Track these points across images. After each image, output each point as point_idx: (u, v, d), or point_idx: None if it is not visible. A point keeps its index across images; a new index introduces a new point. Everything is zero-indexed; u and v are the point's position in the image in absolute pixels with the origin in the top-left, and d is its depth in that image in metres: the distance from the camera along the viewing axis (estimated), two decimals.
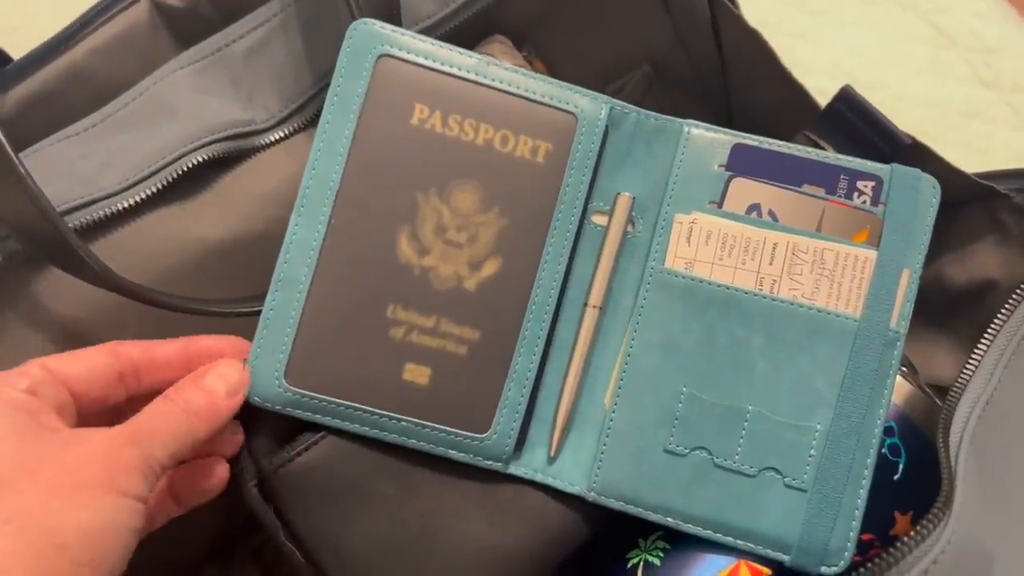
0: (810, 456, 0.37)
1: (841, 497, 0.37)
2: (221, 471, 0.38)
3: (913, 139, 0.43)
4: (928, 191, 0.39)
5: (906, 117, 0.71)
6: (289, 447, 0.38)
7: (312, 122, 0.43)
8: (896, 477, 0.40)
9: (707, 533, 0.38)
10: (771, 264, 0.39)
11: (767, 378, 0.38)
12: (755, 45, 0.46)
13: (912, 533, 0.33)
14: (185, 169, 0.40)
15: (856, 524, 0.37)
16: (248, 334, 0.38)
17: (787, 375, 0.38)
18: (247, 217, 0.41)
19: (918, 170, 0.39)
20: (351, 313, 0.38)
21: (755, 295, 0.38)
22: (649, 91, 0.52)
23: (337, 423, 0.38)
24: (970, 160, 0.45)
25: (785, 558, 0.37)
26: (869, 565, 0.33)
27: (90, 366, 0.35)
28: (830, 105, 0.45)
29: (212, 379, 0.36)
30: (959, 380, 0.37)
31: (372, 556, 0.37)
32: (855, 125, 0.44)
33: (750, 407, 0.38)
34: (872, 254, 0.38)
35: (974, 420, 0.35)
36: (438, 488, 0.38)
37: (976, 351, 0.37)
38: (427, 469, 0.38)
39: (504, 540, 0.38)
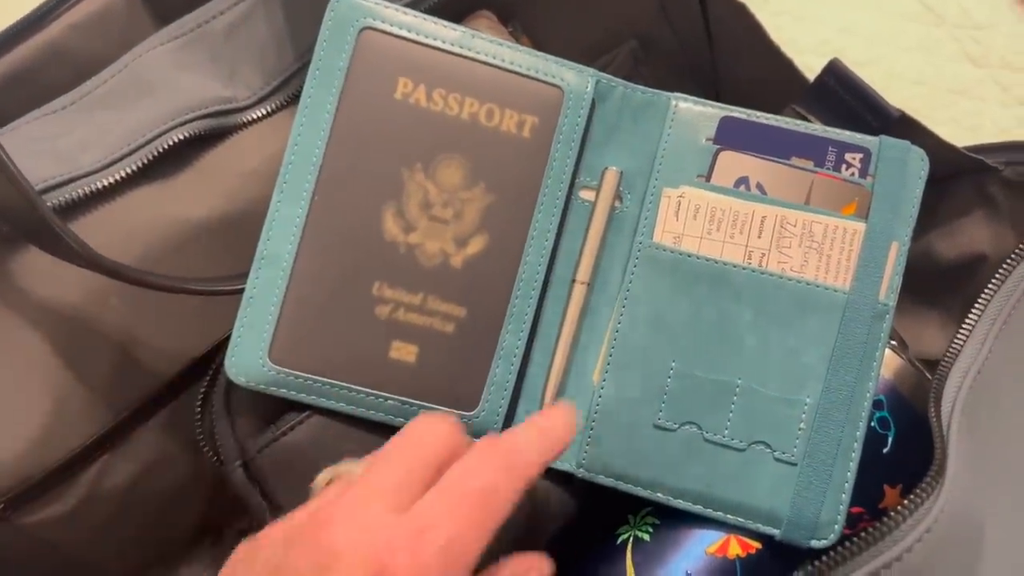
0: (800, 430, 0.37)
1: (831, 470, 0.37)
2: None
3: (902, 113, 0.43)
4: (916, 163, 0.38)
5: (895, 95, 0.70)
6: (274, 427, 0.38)
7: (295, 99, 0.43)
8: (885, 450, 0.39)
9: (697, 508, 0.38)
10: (759, 237, 0.38)
11: (756, 352, 0.38)
12: (742, 19, 0.45)
13: (905, 502, 0.33)
14: (166, 147, 0.39)
15: (846, 497, 0.37)
16: (232, 312, 0.37)
17: (776, 349, 0.38)
18: (229, 195, 0.41)
19: (907, 142, 0.39)
20: (336, 291, 0.38)
21: (744, 269, 0.38)
22: (636, 67, 0.52)
23: (323, 402, 0.38)
24: (959, 137, 0.44)
25: (775, 532, 0.37)
26: (863, 535, 0.33)
27: None
28: (819, 78, 0.44)
29: None
30: (950, 350, 0.37)
31: None
32: (844, 99, 0.44)
33: (739, 381, 0.38)
34: (861, 226, 0.38)
35: (965, 390, 0.35)
36: None
37: (967, 321, 0.37)
38: None
39: None
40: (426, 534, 0.28)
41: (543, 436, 0.32)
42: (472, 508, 0.29)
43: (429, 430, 0.31)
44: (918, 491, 0.33)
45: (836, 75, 0.44)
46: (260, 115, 0.42)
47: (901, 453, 0.40)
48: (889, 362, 0.40)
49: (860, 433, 0.37)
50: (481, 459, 0.30)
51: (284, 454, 0.37)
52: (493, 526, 0.29)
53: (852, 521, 0.38)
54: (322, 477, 0.32)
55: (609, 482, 0.38)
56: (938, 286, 0.47)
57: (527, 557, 0.32)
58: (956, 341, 0.37)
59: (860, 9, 0.71)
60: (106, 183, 0.38)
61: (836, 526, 0.37)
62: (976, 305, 0.37)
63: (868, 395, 0.37)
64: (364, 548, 0.28)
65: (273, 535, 0.29)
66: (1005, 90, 0.69)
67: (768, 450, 0.37)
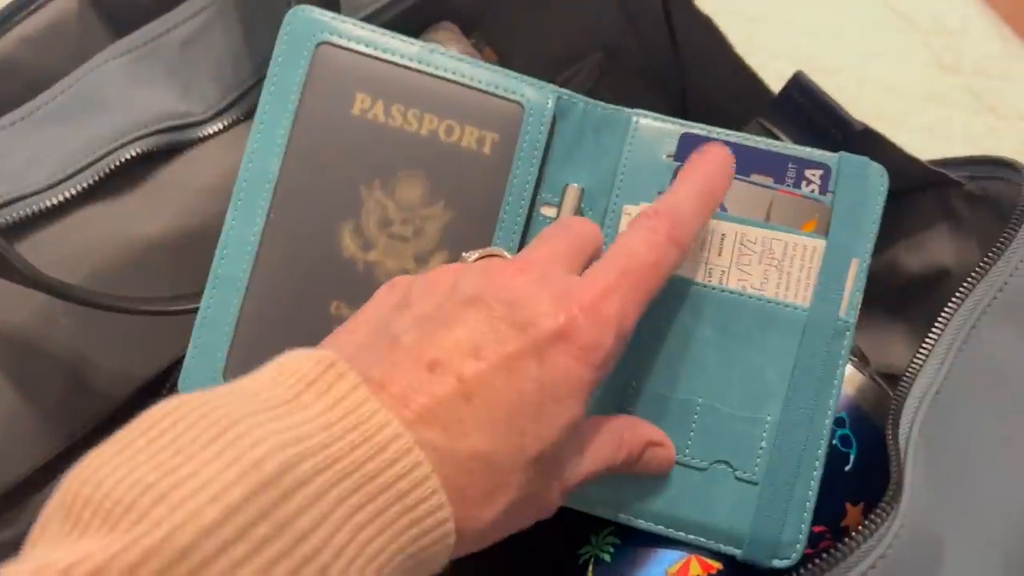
0: (760, 448, 0.37)
1: (792, 489, 0.37)
2: None
3: (865, 126, 0.43)
4: (876, 179, 0.38)
5: (867, 102, 0.71)
6: None
7: (251, 114, 0.42)
8: (847, 468, 0.39)
9: (659, 528, 0.37)
10: (720, 255, 0.38)
11: (717, 370, 0.37)
12: (707, 32, 0.45)
13: (860, 527, 0.32)
14: (118, 163, 0.38)
15: (808, 516, 0.36)
16: (186, 332, 0.37)
17: (737, 366, 0.37)
18: (184, 212, 0.40)
19: (866, 158, 0.38)
20: (292, 310, 0.37)
21: (704, 286, 0.38)
22: (602, 79, 0.52)
23: None
24: (931, 145, 0.44)
25: (737, 552, 0.37)
26: (817, 560, 0.32)
27: None
28: (783, 91, 0.44)
29: None
30: (909, 370, 0.36)
31: None
32: (808, 111, 0.44)
33: (700, 400, 0.37)
34: (821, 243, 0.38)
35: (924, 410, 0.35)
36: None
37: (927, 340, 0.37)
38: None
39: None
40: (606, 296, 0.30)
41: (701, 199, 0.34)
42: (640, 279, 0.31)
43: (581, 221, 0.34)
44: (875, 513, 0.32)
45: (801, 88, 0.44)
46: (216, 130, 0.41)
47: (863, 471, 0.39)
48: (851, 379, 0.40)
49: (822, 451, 0.37)
50: (649, 232, 0.32)
51: None
52: (651, 298, 0.32)
53: (814, 540, 0.38)
54: (469, 255, 0.35)
55: (571, 503, 0.38)
56: (904, 299, 0.47)
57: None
58: (916, 360, 0.36)
59: (832, 16, 0.71)
60: (56, 201, 0.37)
61: (798, 545, 0.36)
62: (937, 323, 0.37)
63: (829, 412, 0.37)
64: (552, 298, 0.29)
65: (454, 270, 0.31)
66: (977, 97, 0.69)
67: (729, 469, 0.37)
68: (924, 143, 0.44)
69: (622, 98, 0.41)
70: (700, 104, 0.50)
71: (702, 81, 0.49)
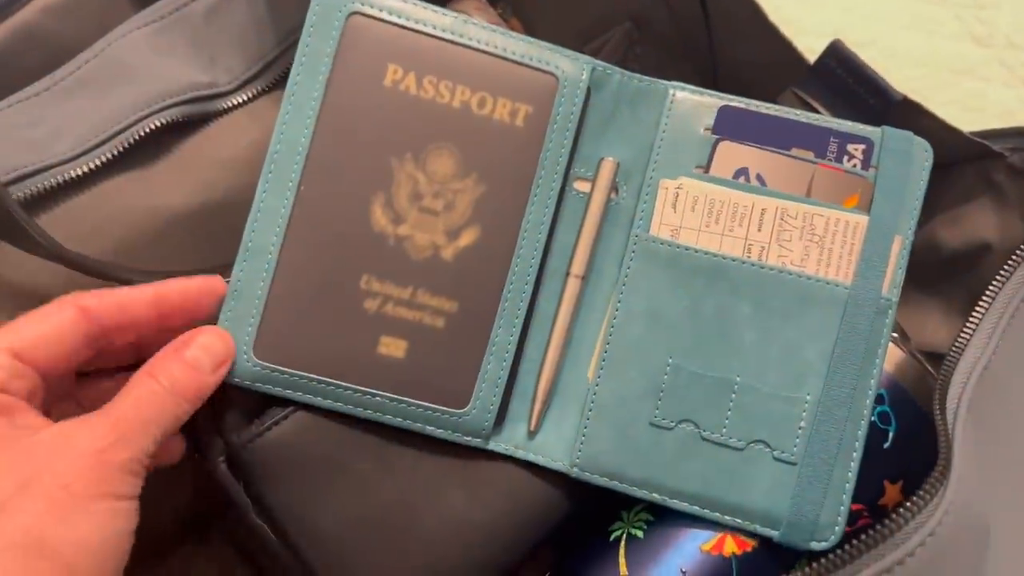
0: (799, 428, 0.36)
1: (831, 470, 0.36)
2: (178, 446, 0.38)
3: (904, 96, 0.42)
4: (921, 154, 0.37)
5: (896, 75, 0.69)
6: (258, 422, 0.37)
7: (276, 85, 0.41)
8: (886, 445, 0.39)
9: (694, 509, 0.37)
10: (759, 231, 0.37)
11: (755, 348, 0.37)
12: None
13: (908, 504, 0.32)
14: (142, 134, 0.38)
15: (847, 498, 0.36)
16: None
17: (776, 345, 0.37)
18: (208, 184, 0.39)
19: (910, 133, 0.37)
20: (323, 284, 0.36)
21: (743, 263, 0.37)
22: (631, 49, 0.50)
23: (309, 399, 0.37)
24: (963, 119, 0.43)
25: (774, 534, 0.36)
26: (864, 537, 0.32)
27: (57, 333, 0.32)
28: (819, 60, 0.43)
29: (197, 352, 0.34)
30: (955, 345, 0.36)
31: (345, 532, 0.36)
32: (845, 81, 0.43)
33: (738, 378, 0.37)
34: (863, 219, 0.37)
35: (972, 386, 0.34)
36: (414, 464, 0.37)
37: (974, 314, 0.36)
38: (403, 444, 0.37)
39: (483, 516, 0.37)
40: None
41: None
42: None
43: None
44: (922, 491, 0.32)
45: (838, 56, 0.43)
46: (241, 101, 0.40)
47: (902, 449, 0.39)
48: (891, 355, 0.39)
49: (862, 432, 0.36)
50: None
51: (268, 450, 0.36)
52: None
53: (852, 519, 0.37)
54: None
55: (603, 482, 0.37)
56: (941, 275, 0.46)
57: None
58: (963, 335, 0.35)
59: None
60: (80, 172, 0.37)
61: (837, 528, 0.36)
62: (983, 298, 0.36)
63: (870, 392, 0.36)
64: None
65: None
66: (1010, 70, 0.67)
67: (767, 449, 0.36)
68: (956, 117, 0.43)
69: (651, 70, 0.40)
70: (731, 74, 0.48)
71: (734, 50, 0.47)
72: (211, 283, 0.35)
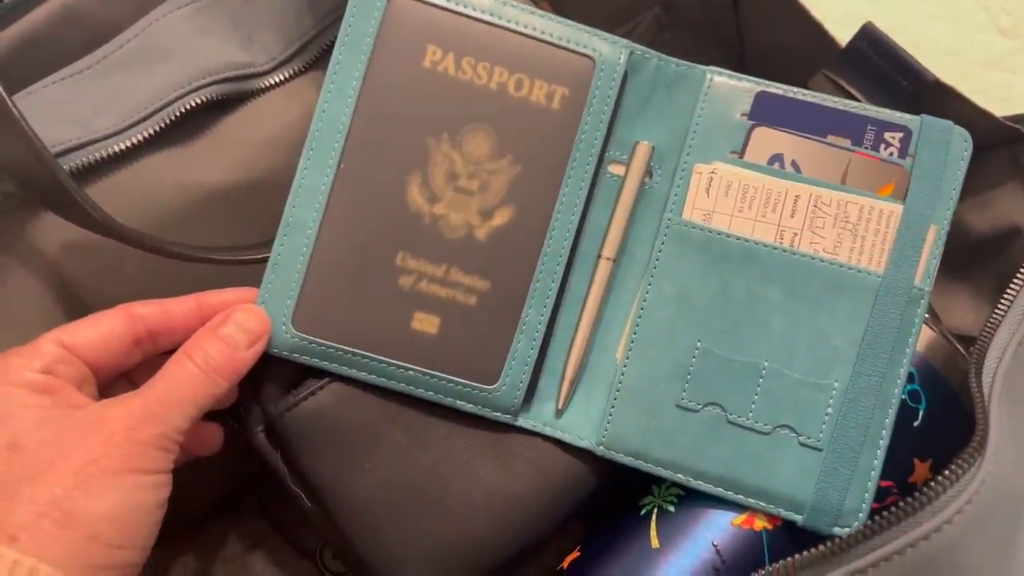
0: (826, 414, 0.37)
1: (857, 457, 0.36)
2: (215, 437, 0.39)
3: (936, 78, 0.42)
4: (959, 144, 0.37)
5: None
6: (295, 392, 0.37)
7: (314, 64, 0.41)
8: (916, 424, 0.39)
9: (718, 491, 0.37)
10: (792, 217, 0.37)
11: (784, 334, 0.37)
12: None
13: (947, 473, 0.31)
14: (182, 112, 0.38)
15: (872, 485, 0.36)
16: (249, 282, 0.37)
17: (805, 331, 0.37)
18: (246, 163, 0.40)
19: (949, 122, 0.38)
20: (360, 260, 0.37)
21: (775, 249, 0.37)
22: (660, 34, 0.50)
23: (344, 370, 0.37)
24: (989, 109, 0.43)
25: (798, 518, 0.37)
26: (901, 504, 0.31)
27: (106, 335, 0.34)
28: (851, 43, 0.43)
29: (232, 329, 0.35)
30: (991, 320, 0.35)
31: (378, 500, 0.37)
32: (877, 63, 0.43)
33: (766, 363, 0.37)
34: (898, 208, 0.37)
35: (1007, 361, 0.34)
36: (446, 436, 0.38)
37: (1008, 291, 0.36)
38: (435, 417, 0.38)
39: (513, 487, 0.38)
40: None
41: None
42: None
43: None
44: (959, 461, 0.31)
45: (870, 39, 0.43)
46: (278, 80, 0.40)
47: (932, 427, 0.39)
48: (922, 335, 0.39)
49: (889, 420, 0.36)
50: None
51: (305, 419, 0.37)
52: None
53: (881, 495, 0.38)
54: None
55: (628, 461, 0.38)
56: (969, 260, 0.45)
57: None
58: (997, 311, 0.35)
59: None
60: (121, 147, 0.37)
61: (860, 514, 0.36)
62: (1017, 276, 0.36)
63: (900, 381, 0.36)
64: None
65: None
66: None
67: (793, 434, 0.37)
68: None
69: (680, 53, 0.40)
70: (759, 58, 0.48)
71: (763, 34, 0.47)
72: (247, 295, 0.37)
